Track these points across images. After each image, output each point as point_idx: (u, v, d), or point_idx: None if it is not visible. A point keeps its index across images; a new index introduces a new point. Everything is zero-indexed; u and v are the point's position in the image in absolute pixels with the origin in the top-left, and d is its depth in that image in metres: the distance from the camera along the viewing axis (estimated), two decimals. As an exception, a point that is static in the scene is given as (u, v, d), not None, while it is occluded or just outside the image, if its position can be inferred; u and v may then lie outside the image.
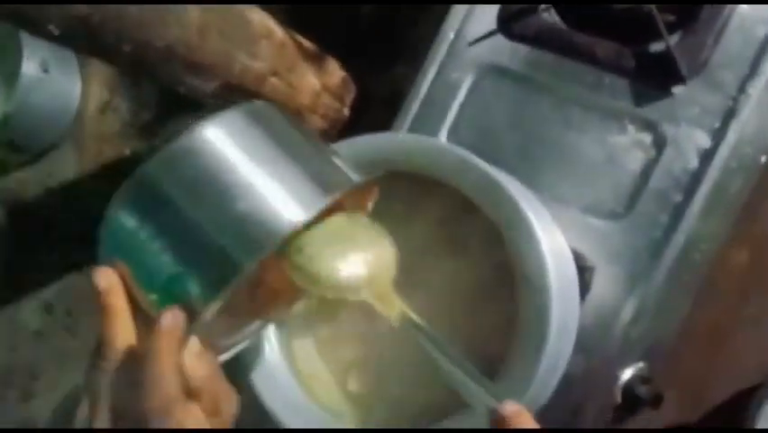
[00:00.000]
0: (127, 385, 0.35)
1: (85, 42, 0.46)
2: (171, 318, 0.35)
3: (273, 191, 0.34)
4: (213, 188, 0.34)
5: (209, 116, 0.36)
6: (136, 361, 0.35)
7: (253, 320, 0.44)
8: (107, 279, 0.37)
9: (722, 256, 0.65)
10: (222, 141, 0.35)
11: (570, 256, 0.52)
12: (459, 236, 0.52)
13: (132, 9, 0.46)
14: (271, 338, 0.51)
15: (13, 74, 0.99)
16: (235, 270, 0.33)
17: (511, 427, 0.34)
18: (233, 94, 0.61)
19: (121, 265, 0.36)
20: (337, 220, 0.39)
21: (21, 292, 1.07)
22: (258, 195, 0.33)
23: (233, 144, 0.35)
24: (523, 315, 0.45)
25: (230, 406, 0.38)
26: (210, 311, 0.36)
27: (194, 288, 0.34)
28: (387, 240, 0.40)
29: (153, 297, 0.36)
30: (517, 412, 0.34)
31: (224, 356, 0.41)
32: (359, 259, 0.38)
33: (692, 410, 0.72)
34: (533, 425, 0.34)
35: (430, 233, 0.52)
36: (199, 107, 1.01)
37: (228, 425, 0.38)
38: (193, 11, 0.51)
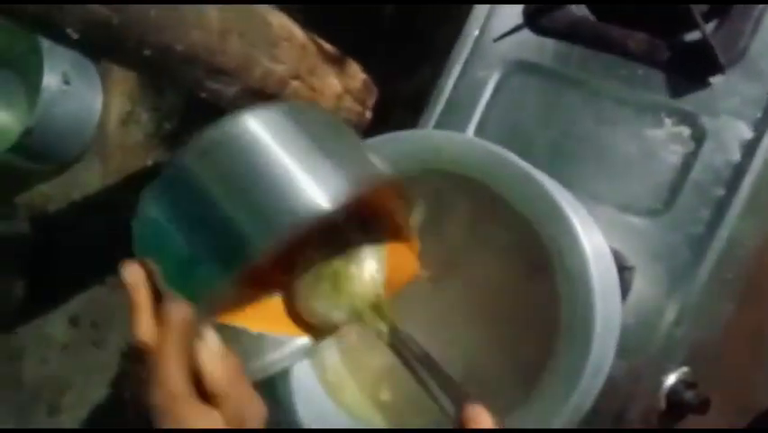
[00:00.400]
0: (141, 381, 0.34)
1: (105, 47, 0.45)
2: (176, 311, 0.34)
3: (303, 181, 0.33)
4: (245, 177, 0.33)
5: (248, 108, 0.35)
6: (150, 356, 0.35)
7: (295, 338, 0.43)
8: (134, 274, 0.36)
9: (766, 254, 0.62)
10: (258, 131, 0.34)
11: (609, 255, 0.49)
12: (489, 235, 0.50)
13: (153, 11, 0.45)
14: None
15: (35, 87, 0.99)
16: (252, 251, 0.32)
17: (472, 427, 0.35)
18: (254, 98, 0.60)
19: (149, 261, 0.36)
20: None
21: (47, 305, 1.07)
22: (287, 183, 0.32)
23: (269, 135, 0.34)
24: (565, 316, 0.42)
25: (255, 415, 0.36)
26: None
27: (211, 273, 0.33)
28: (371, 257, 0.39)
29: (177, 289, 0.35)
30: (479, 412, 0.35)
31: (262, 374, 0.40)
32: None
33: (737, 415, 0.69)
34: (493, 425, 0.35)
35: (460, 232, 0.50)
36: (221, 115, 1.01)
37: None
38: (213, 13, 0.50)
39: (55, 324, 1.06)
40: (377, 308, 0.39)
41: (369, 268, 0.39)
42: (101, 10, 0.43)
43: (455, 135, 0.50)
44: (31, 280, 1.07)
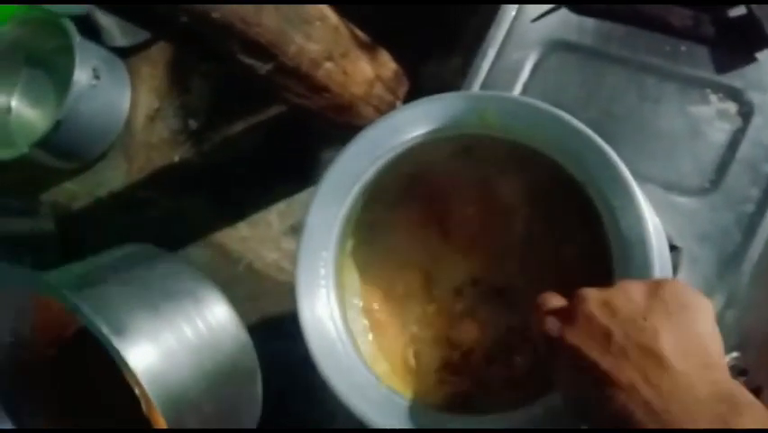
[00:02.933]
0: None
1: (142, 12, 0.45)
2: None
3: None
4: None
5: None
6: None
7: None
8: None
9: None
10: None
11: (663, 234, 0.47)
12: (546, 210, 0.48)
13: (191, -25, 0.44)
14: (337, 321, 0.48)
15: (64, 84, 1.00)
16: None
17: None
18: (288, 77, 0.59)
19: None
20: None
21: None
22: None
23: None
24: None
25: None
26: None
27: None
28: None
29: None
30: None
31: None
32: None
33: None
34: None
35: (515, 206, 0.49)
36: (247, 113, 1.00)
37: None
38: (250, -18, 0.49)
39: (77, 322, 1.05)
40: None
41: None
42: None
43: (519, 98, 0.48)
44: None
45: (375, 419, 0.42)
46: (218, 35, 0.51)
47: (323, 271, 0.47)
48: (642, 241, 0.38)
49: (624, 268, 0.39)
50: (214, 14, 0.49)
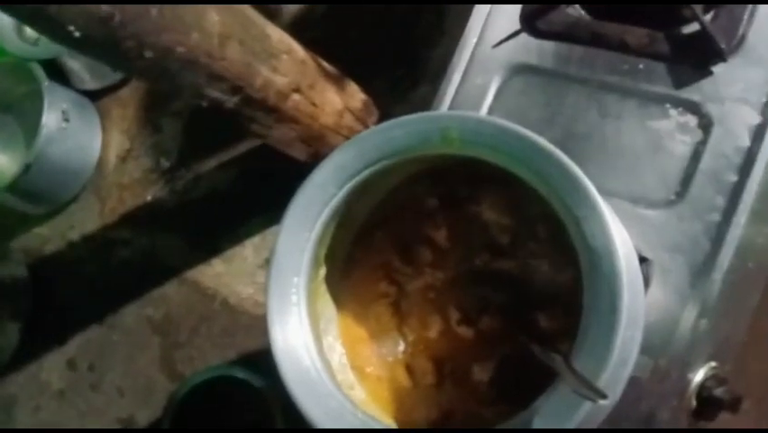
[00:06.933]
0: None
1: (105, 47, 0.45)
2: None
3: None
4: None
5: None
6: None
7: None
8: None
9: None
10: None
11: (631, 244, 0.48)
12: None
13: (154, 11, 0.45)
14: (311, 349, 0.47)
15: (33, 129, 0.99)
16: None
17: None
18: (255, 109, 0.59)
19: None
20: None
21: (43, 350, 1.04)
22: None
23: None
24: (590, 305, 0.40)
25: None
26: None
27: None
28: None
29: None
30: None
31: None
32: None
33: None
34: None
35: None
36: (219, 150, 1.01)
37: None
38: (213, 17, 0.50)
39: (51, 369, 1.03)
40: None
41: None
42: (102, 7, 0.43)
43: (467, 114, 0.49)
44: (26, 325, 1.04)
45: (353, 445, 0.42)
46: (183, 70, 0.52)
47: (294, 298, 0.47)
48: (608, 249, 0.38)
49: (593, 279, 0.39)
50: (179, 49, 0.49)
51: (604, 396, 0.35)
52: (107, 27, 0.44)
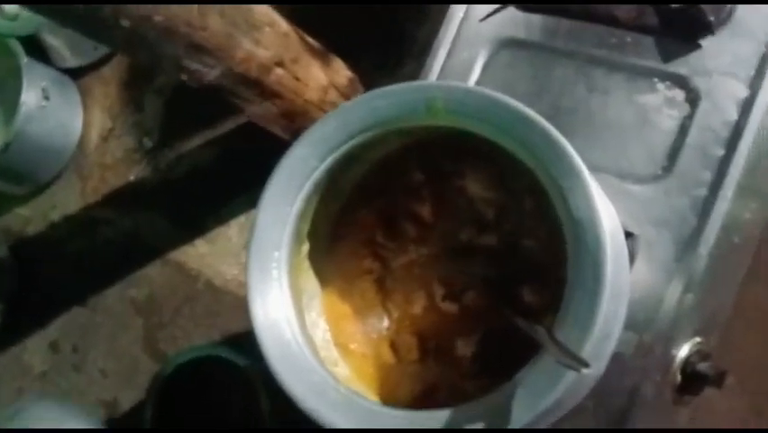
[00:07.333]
0: None
1: (82, 16, 0.44)
2: None
3: None
4: None
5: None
6: None
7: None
8: None
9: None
10: None
11: (617, 219, 0.47)
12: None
13: (129, -22, 0.44)
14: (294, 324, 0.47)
15: (13, 103, 0.97)
16: None
17: None
18: (236, 83, 0.58)
19: None
20: None
21: (26, 332, 1.03)
22: None
23: None
24: (574, 277, 0.39)
25: None
26: None
27: None
28: None
29: None
30: None
31: None
32: None
33: (752, 397, 0.66)
34: None
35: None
36: (202, 128, 0.99)
37: None
38: (193, -14, 0.48)
39: (34, 351, 1.02)
40: None
41: None
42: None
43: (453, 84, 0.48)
44: (9, 307, 1.02)
45: (335, 420, 0.41)
46: (162, 39, 0.50)
47: (275, 273, 0.46)
48: (592, 220, 0.38)
49: (577, 250, 0.38)
50: (157, 18, 0.48)
51: (587, 365, 0.34)
52: (81, -6, 0.42)
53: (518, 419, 0.38)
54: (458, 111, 0.42)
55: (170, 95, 0.99)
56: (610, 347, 0.46)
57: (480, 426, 0.38)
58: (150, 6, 0.46)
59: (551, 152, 0.39)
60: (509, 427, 0.37)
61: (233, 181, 0.93)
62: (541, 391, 0.37)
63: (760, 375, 0.66)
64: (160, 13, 0.48)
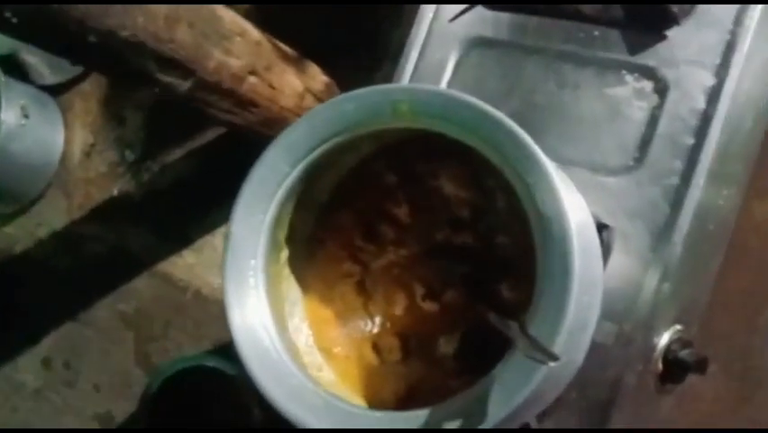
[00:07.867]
0: None
1: (46, 32, 0.44)
2: None
3: None
4: None
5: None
6: None
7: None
8: None
9: (747, 209, 0.61)
10: None
11: (588, 211, 0.48)
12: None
13: (93, -7, 0.44)
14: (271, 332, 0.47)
15: (-8, 127, 0.97)
16: None
17: None
18: (210, 94, 0.58)
19: None
20: None
21: (17, 350, 1.03)
22: None
23: None
24: (543, 271, 0.40)
25: None
26: None
27: None
28: None
29: None
30: None
31: None
32: None
33: (733, 382, 0.67)
34: None
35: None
36: (184, 140, 0.99)
37: None
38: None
39: (26, 368, 1.02)
40: None
41: None
42: (38, -9, 0.41)
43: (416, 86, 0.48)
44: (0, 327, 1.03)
45: (315, 423, 0.41)
46: (131, 55, 0.51)
47: (252, 282, 0.46)
48: (557, 213, 0.38)
49: (545, 244, 0.39)
50: (123, 33, 0.48)
51: (556, 358, 0.35)
52: (45, 11, 0.43)
53: (495, 414, 0.38)
54: (423, 112, 0.42)
55: (151, 107, 0.99)
56: (587, 338, 0.46)
57: (458, 423, 0.39)
58: (115, 22, 0.47)
59: (515, 150, 0.40)
60: (485, 424, 0.37)
61: (216, 191, 0.93)
62: (516, 387, 0.38)
63: (744, 361, 0.66)
64: (126, 28, 0.48)
